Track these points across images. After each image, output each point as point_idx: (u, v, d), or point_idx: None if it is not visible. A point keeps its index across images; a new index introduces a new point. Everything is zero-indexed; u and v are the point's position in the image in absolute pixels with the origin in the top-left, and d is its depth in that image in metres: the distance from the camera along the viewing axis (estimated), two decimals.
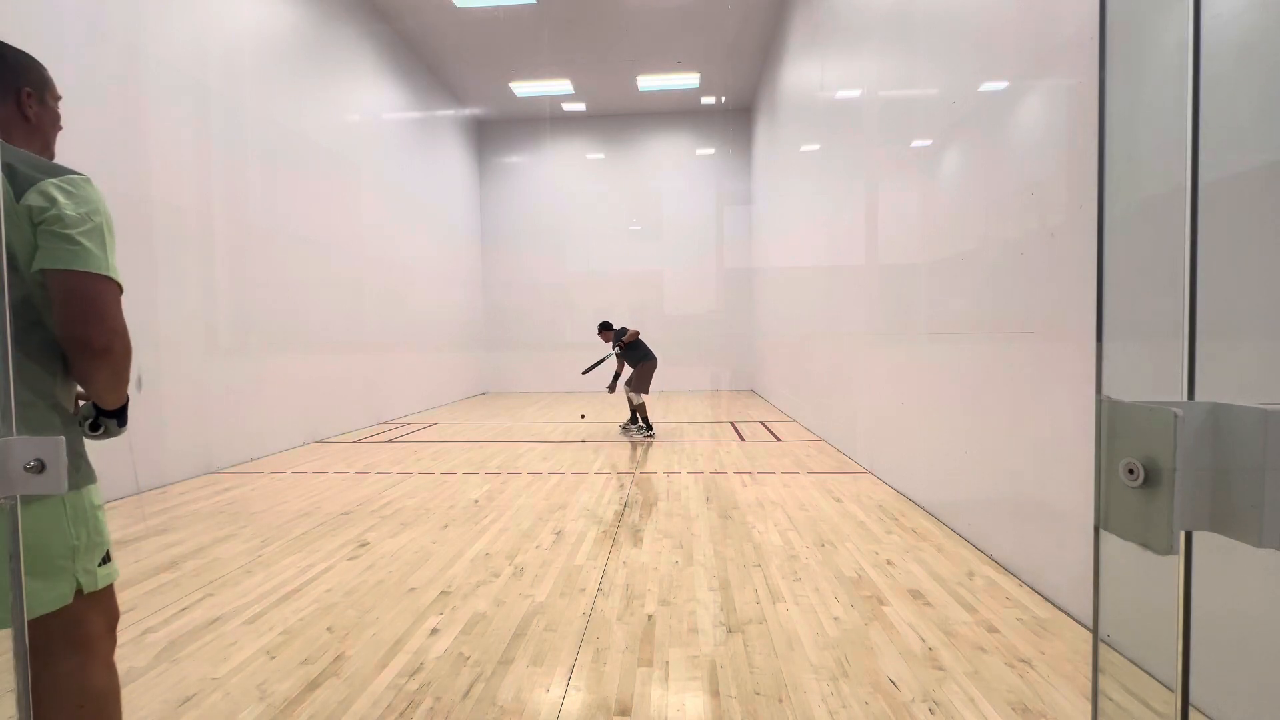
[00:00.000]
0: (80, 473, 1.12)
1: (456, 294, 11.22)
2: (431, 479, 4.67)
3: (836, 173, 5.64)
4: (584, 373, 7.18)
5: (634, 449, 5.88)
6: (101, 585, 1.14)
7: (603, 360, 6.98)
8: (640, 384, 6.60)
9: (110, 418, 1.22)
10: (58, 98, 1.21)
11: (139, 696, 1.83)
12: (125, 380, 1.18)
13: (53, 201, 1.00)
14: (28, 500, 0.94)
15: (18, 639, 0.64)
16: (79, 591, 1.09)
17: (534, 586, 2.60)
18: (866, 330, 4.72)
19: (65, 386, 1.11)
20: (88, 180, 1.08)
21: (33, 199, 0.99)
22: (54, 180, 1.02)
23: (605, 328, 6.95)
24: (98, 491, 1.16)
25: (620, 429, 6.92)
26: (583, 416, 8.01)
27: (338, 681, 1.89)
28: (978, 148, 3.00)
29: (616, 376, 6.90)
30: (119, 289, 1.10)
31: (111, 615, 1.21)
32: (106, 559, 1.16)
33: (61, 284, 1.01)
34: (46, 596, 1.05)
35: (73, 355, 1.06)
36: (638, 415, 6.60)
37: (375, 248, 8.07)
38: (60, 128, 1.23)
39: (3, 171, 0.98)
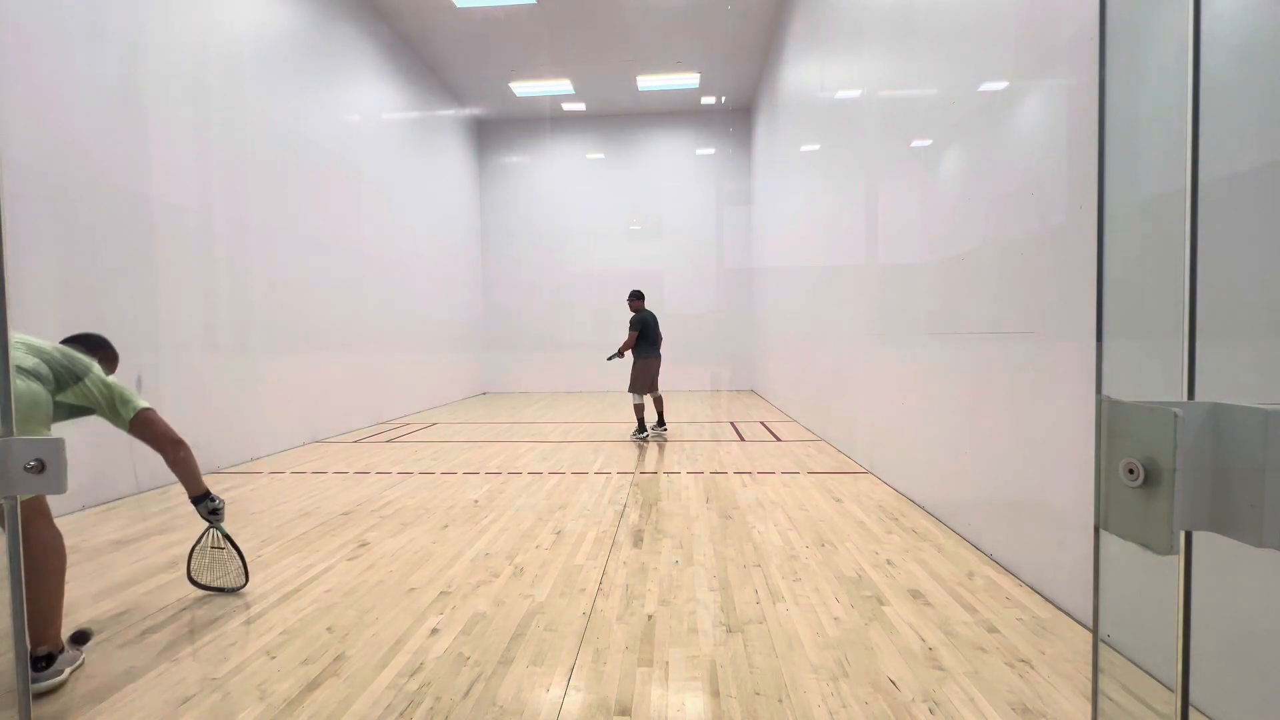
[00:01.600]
0: None
1: (456, 294, 11.21)
2: (431, 479, 4.67)
3: (836, 173, 5.64)
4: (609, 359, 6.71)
5: (637, 450, 5.88)
6: None
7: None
8: (633, 382, 6.36)
9: (198, 504, 2.35)
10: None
11: (139, 697, 1.83)
12: (192, 474, 2.28)
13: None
14: None
15: (18, 639, 0.64)
16: None
17: (534, 586, 2.60)
18: (866, 330, 4.72)
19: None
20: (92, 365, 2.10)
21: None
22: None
23: (636, 297, 6.46)
24: None
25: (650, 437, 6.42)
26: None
27: (338, 681, 1.89)
28: (978, 148, 2.99)
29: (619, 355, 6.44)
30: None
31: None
32: None
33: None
34: None
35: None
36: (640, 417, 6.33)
37: (375, 248, 8.07)
38: None
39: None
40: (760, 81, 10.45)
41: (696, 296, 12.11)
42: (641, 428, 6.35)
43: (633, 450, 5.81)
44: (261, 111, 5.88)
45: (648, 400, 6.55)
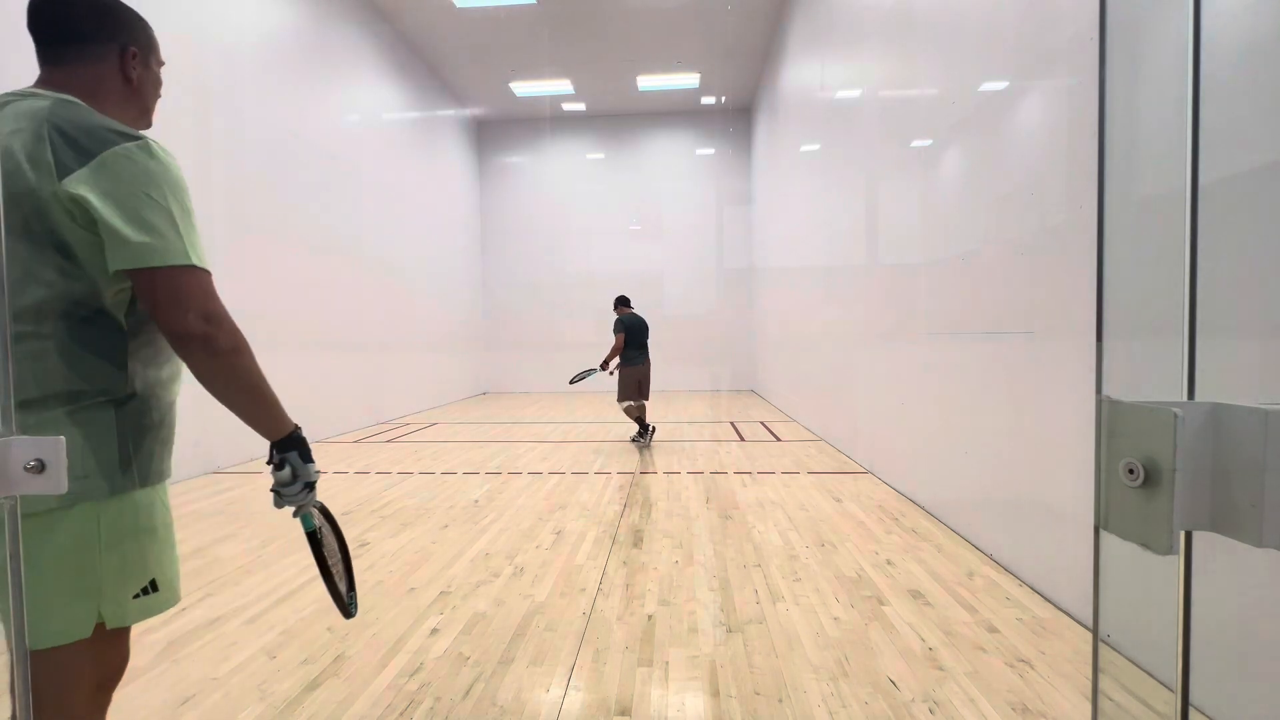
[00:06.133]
0: (120, 475, 0.93)
1: (456, 294, 11.22)
2: (431, 479, 4.67)
3: (836, 173, 5.64)
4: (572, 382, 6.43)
5: (636, 450, 5.88)
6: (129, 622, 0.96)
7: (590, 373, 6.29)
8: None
9: (283, 451, 1.05)
10: (162, 63, 1.13)
11: (139, 696, 1.83)
12: (252, 383, 1.01)
13: (90, 189, 0.86)
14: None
15: (17, 639, 0.64)
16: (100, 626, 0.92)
17: (534, 586, 2.60)
18: (866, 330, 4.72)
19: (128, 378, 0.96)
20: (143, 148, 0.91)
21: (73, 186, 0.85)
22: (93, 164, 0.87)
23: (623, 302, 6.30)
24: (159, 499, 0.99)
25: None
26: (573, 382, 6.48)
27: (338, 681, 1.89)
28: (978, 148, 2.99)
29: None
30: (204, 273, 0.99)
31: (103, 667, 0.96)
32: (151, 589, 0.97)
33: (140, 283, 0.91)
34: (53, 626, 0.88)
35: (178, 353, 0.98)
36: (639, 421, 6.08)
37: (375, 248, 8.07)
38: (160, 95, 1.15)
39: (50, 140, 0.86)
40: (760, 81, 10.45)
41: (696, 296, 12.11)
42: (643, 429, 6.06)
43: (633, 451, 5.81)
44: (261, 111, 5.88)
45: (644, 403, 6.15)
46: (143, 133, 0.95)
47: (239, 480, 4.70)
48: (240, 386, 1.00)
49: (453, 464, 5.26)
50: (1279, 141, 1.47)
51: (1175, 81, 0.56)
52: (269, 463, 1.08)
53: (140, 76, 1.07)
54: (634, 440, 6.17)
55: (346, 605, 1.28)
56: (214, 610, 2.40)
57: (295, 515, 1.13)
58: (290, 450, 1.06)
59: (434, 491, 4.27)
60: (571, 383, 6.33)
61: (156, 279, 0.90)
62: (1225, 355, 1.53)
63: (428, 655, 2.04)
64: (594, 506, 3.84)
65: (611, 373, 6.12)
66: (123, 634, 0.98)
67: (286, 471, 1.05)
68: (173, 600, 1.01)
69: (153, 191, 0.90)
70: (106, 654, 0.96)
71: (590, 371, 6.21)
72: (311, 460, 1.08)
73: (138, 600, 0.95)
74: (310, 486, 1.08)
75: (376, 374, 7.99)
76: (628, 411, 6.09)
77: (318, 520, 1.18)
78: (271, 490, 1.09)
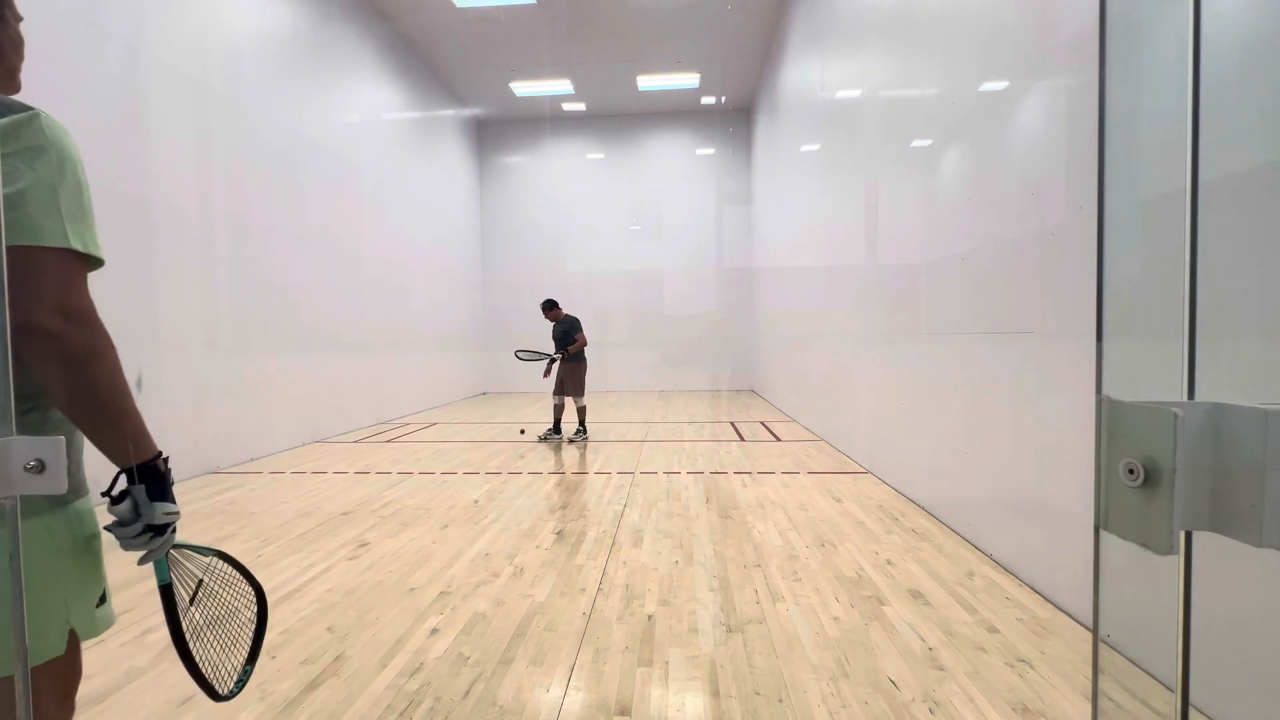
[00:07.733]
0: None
1: (456, 294, 11.21)
2: (431, 479, 4.67)
3: (836, 173, 5.64)
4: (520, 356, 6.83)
5: (637, 450, 5.88)
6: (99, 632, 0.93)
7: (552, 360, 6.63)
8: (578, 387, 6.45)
9: (137, 483, 0.89)
10: (20, 18, 0.97)
11: (139, 696, 1.83)
12: (106, 396, 0.85)
13: None
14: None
15: (18, 639, 0.63)
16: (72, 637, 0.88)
17: (534, 586, 2.60)
18: (866, 330, 4.72)
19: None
20: (29, 121, 0.84)
21: None
22: None
23: (552, 306, 6.73)
24: (91, 508, 0.93)
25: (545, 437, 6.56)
26: (522, 432, 7.13)
27: (338, 681, 1.89)
28: (978, 148, 2.99)
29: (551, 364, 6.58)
30: (74, 259, 0.83)
31: (67, 681, 0.92)
32: (104, 598, 0.94)
33: (10, 264, 0.71)
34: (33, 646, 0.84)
35: (24, 351, 0.79)
36: (581, 419, 6.51)
37: (375, 248, 8.07)
38: (22, 56, 1.00)
39: None
40: (760, 81, 10.45)
41: (696, 296, 12.11)
42: (559, 428, 6.56)
43: (633, 451, 5.81)
44: (261, 111, 5.88)
45: (568, 403, 6.65)
46: (32, 104, 0.86)
47: (239, 480, 4.70)
48: (90, 398, 0.85)
49: (453, 464, 5.26)
50: (1279, 141, 1.47)
51: (1175, 81, 0.56)
52: (106, 493, 0.91)
53: None
54: (547, 438, 6.50)
55: (216, 691, 1.11)
56: (214, 610, 2.40)
57: (141, 563, 0.96)
58: (141, 482, 0.90)
59: (434, 491, 4.27)
60: (519, 356, 6.69)
61: (14, 258, 0.76)
62: (1225, 355, 1.53)
63: (428, 655, 2.04)
64: (594, 506, 3.84)
65: (559, 356, 6.51)
66: (79, 646, 0.93)
67: (126, 506, 0.89)
68: (113, 612, 0.97)
69: (35, 164, 0.80)
70: (74, 667, 0.93)
71: (551, 359, 6.57)
72: (166, 499, 0.93)
73: (100, 610, 0.92)
74: (155, 531, 0.91)
75: (376, 374, 8.00)
76: (583, 410, 6.45)
77: (196, 577, 1.06)
78: (106, 529, 0.92)
